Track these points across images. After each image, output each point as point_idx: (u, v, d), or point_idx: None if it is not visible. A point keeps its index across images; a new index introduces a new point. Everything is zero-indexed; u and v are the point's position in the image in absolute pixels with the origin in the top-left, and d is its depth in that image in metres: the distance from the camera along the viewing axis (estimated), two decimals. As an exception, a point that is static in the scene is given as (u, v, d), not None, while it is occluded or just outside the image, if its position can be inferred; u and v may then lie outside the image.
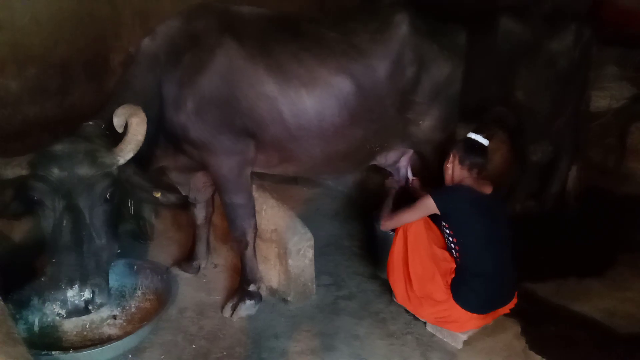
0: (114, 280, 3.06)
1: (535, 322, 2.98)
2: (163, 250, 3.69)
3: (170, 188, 2.53)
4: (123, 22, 4.05)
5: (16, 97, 3.72)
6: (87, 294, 2.09)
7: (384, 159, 3.38)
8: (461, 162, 2.78)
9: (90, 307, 2.13)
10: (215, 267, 3.53)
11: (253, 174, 3.18)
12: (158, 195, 2.38)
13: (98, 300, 2.14)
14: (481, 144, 2.80)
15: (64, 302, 2.06)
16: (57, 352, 2.41)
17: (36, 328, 2.74)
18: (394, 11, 2.94)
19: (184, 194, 3.05)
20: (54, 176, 2.10)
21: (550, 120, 3.62)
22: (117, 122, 2.25)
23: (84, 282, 2.09)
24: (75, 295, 2.07)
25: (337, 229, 4.10)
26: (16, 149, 3.27)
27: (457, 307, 2.75)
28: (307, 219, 4.06)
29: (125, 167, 2.31)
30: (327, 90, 2.79)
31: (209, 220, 3.41)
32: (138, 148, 2.24)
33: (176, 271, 3.42)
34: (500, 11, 3.33)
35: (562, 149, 3.84)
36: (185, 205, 2.96)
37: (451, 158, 2.84)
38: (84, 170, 2.13)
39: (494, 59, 3.38)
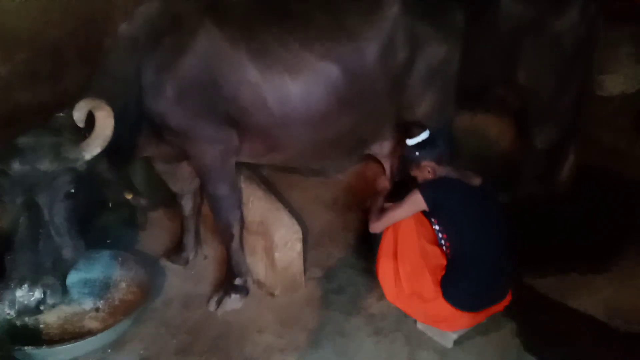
0: (98, 272, 3.04)
1: (531, 320, 2.84)
2: (155, 240, 3.62)
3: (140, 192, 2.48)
4: (114, 3, 3.93)
5: (6, 83, 3.67)
6: (37, 294, 2.02)
7: (379, 148, 3.24)
8: (423, 164, 2.68)
9: (41, 307, 2.06)
10: (206, 258, 3.45)
11: (242, 164, 3.09)
12: (130, 197, 2.31)
13: (50, 300, 2.07)
14: (424, 140, 2.67)
15: (12, 302, 2.00)
16: (30, 347, 2.37)
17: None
18: (386, -9, 2.77)
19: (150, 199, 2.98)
20: (14, 170, 2.03)
21: (555, 103, 3.42)
22: (77, 116, 2.16)
23: (35, 282, 2.02)
24: (24, 295, 2.00)
25: (334, 218, 3.97)
26: (9, 135, 3.25)
27: (447, 305, 2.62)
28: (304, 208, 3.99)
29: (98, 163, 2.23)
30: (313, 75, 2.65)
31: (197, 211, 3.35)
32: (106, 143, 2.14)
33: (165, 262, 3.36)
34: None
35: (568, 133, 3.63)
36: (154, 209, 2.87)
37: (415, 171, 2.73)
38: (46, 165, 2.06)
39: (494, 38, 3.17)
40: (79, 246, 2.23)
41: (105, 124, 2.12)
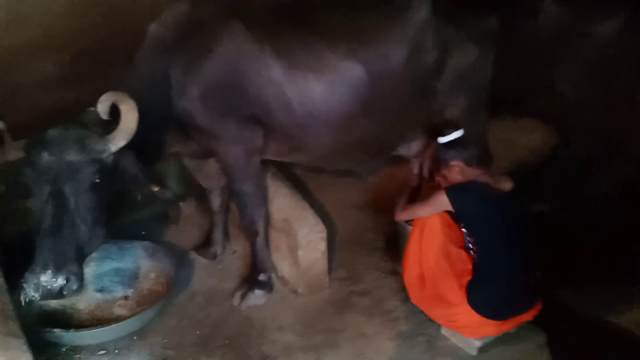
0: (129, 262, 3.14)
1: (563, 333, 2.71)
2: (185, 234, 3.68)
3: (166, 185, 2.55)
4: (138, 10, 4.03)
5: (54, 81, 3.84)
6: (60, 281, 2.10)
7: (407, 150, 3.19)
8: (452, 164, 2.62)
9: (65, 293, 2.14)
10: (234, 253, 3.50)
11: (270, 161, 3.12)
12: (156, 189, 2.37)
13: (73, 286, 2.14)
14: (456, 139, 2.63)
15: (36, 285, 2.09)
16: (59, 330, 2.48)
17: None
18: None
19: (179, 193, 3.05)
20: (42, 161, 2.13)
21: (598, 114, 3.26)
22: (101, 109, 2.24)
23: (59, 268, 2.10)
24: (48, 280, 2.08)
25: (363, 220, 3.93)
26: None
27: (471, 311, 2.54)
28: (333, 209, 3.98)
29: (125, 156, 2.30)
30: (337, 77, 2.64)
31: (225, 206, 3.39)
32: (131, 136, 2.21)
33: (193, 256, 3.42)
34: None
35: (611, 146, 3.45)
36: (181, 201, 2.90)
37: (444, 170, 2.68)
38: (72, 156, 2.14)
39: (533, 45, 3.08)
40: (100, 235, 2.30)
41: (129, 117, 2.18)
